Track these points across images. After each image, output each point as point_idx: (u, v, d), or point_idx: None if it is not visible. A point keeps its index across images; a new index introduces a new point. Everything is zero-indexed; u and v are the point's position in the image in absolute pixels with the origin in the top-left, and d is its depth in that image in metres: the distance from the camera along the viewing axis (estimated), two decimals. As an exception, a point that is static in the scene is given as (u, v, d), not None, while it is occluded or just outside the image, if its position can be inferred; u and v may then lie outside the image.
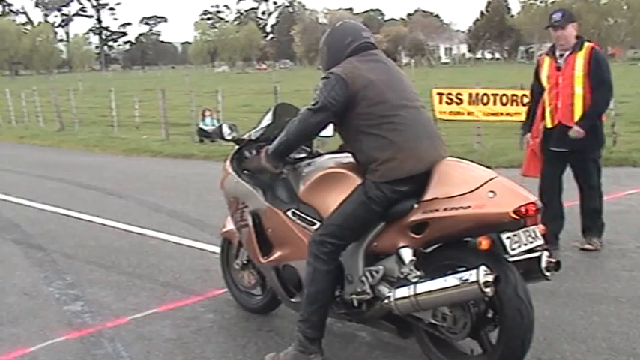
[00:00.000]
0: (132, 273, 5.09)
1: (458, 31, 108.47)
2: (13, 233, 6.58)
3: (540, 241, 2.93)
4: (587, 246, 5.21)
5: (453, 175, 2.99)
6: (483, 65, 77.37)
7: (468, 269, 2.80)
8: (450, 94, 11.53)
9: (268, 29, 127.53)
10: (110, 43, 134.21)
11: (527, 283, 2.91)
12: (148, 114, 18.76)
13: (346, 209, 3.15)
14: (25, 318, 4.21)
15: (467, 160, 3.17)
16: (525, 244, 2.89)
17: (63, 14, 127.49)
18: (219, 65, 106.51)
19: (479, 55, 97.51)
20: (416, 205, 2.99)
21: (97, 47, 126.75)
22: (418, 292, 2.91)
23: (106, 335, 3.87)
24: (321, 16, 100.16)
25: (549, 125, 5.14)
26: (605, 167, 5.56)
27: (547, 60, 5.19)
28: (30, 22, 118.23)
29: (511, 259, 2.86)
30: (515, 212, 2.78)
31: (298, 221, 3.41)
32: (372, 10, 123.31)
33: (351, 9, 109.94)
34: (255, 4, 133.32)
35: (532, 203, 2.83)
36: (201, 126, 14.73)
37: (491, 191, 2.85)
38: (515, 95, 10.99)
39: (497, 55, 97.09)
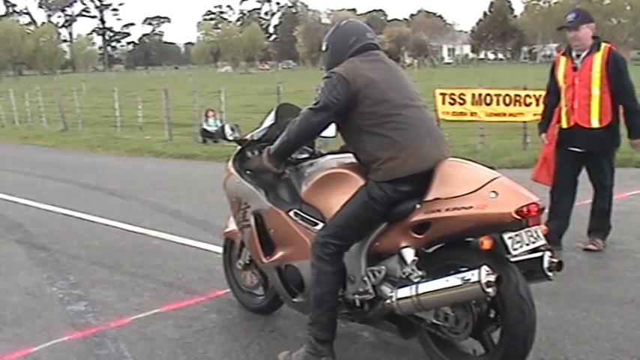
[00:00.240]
0: (135, 273, 5.10)
1: (461, 31, 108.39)
2: (16, 233, 6.59)
3: (542, 241, 2.93)
4: (591, 246, 5.20)
5: (455, 175, 2.98)
6: (486, 66, 77.27)
7: (469, 269, 2.80)
8: (453, 94, 11.54)
9: (271, 30, 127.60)
10: (113, 44, 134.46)
11: (529, 284, 2.90)
12: (151, 114, 18.78)
13: (349, 210, 3.15)
14: (28, 318, 4.22)
15: (470, 160, 3.17)
16: (527, 244, 2.88)
17: (66, 15, 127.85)
18: (222, 66, 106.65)
19: (482, 56, 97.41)
20: (418, 206, 2.99)
21: (100, 48, 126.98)
22: (420, 292, 2.91)
23: (109, 335, 3.88)
24: (324, 17, 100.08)
25: (565, 126, 5.10)
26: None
27: (563, 59, 5.12)
28: (33, 22, 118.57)
29: (513, 259, 2.86)
30: (517, 212, 2.78)
31: (300, 221, 3.42)
32: (374, 10, 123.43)
33: (354, 9, 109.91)
34: (258, 5, 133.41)
35: (534, 203, 2.83)
36: (205, 126, 14.74)
37: (493, 191, 2.85)
38: (519, 96, 10.99)
39: (500, 56, 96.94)
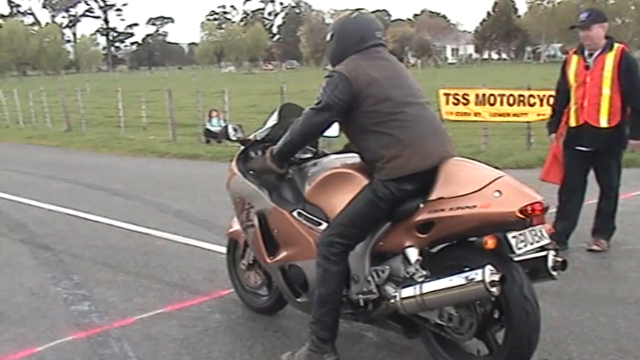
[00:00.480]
0: (139, 273, 5.11)
1: (464, 31, 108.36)
2: (20, 233, 6.61)
3: (546, 241, 2.92)
4: (595, 247, 5.19)
5: (458, 175, 2.97)
6: (490, 66, 77.18)
7: (473, 269, 2.80)
8: (456, 94, 11.53)
9: (275, 30, 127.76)
10: (117, 44, 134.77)
11: (533, 283, 2.90)
12: (154, 114, 18.79)
13: (354, 208, 3.15)
14: (32, 318, 4.22)
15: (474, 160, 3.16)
16: (531, 244, 2.87)
17: (70, 15, 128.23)
18: (226, 66, 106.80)
19: (485, 56, 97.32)
20: (422, 205, 2.99)
21: (104, 48, 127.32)
22: (424, 291, 2.90)
23: (113, 335, 3.88)
24: (328, 17, 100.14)
25: (573, 124, 5.07)
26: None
27: (575, 58, 5.09)
28: (37, 22, 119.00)
29: (517, 258, 2.85)
30: (521, 211, 2.77)
31: (304, 221, 3.42)
32: (378, 10, 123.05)
33: (359, 10, 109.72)
34: (261, 5, 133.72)
35: (538, 202, 2.82)
36: (208, 126, 14.74)
37: (497, 190, 2.84)
38: (522, 96, 10.98)
39: (504, 56, 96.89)
